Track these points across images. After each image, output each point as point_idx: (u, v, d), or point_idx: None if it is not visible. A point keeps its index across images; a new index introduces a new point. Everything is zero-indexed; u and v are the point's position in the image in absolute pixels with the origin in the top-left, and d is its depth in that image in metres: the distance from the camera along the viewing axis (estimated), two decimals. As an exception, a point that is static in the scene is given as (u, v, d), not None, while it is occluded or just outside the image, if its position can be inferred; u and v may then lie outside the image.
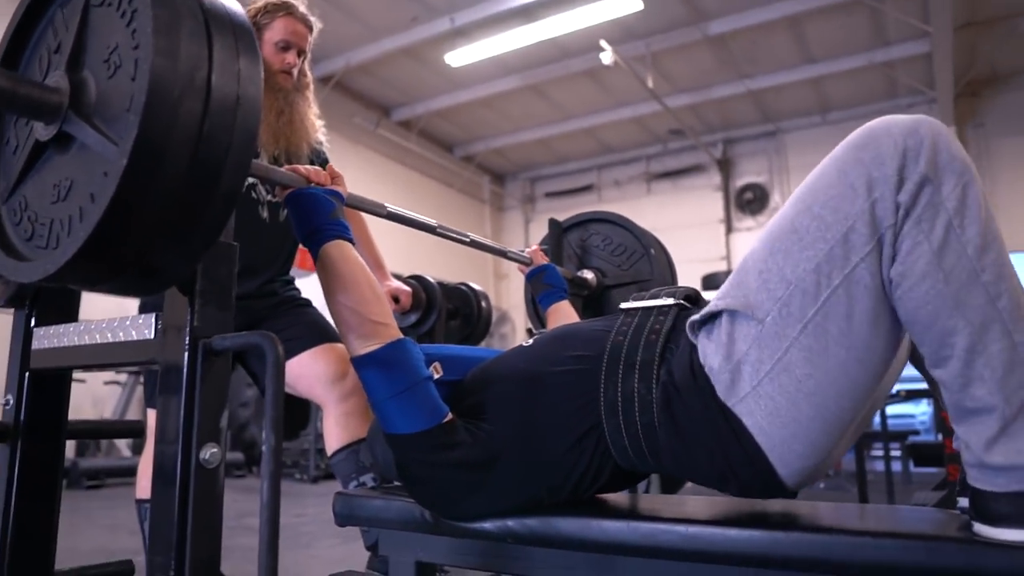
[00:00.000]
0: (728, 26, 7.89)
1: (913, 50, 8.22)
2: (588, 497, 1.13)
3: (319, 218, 1.19)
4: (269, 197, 1.84)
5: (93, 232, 0.75)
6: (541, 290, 1.78)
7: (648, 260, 1.96)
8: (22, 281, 0.86)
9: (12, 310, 1.26)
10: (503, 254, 1.76)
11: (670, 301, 1.11)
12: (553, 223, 2.07)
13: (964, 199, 0.85)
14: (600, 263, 2.04)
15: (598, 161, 11.86)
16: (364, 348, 1.11)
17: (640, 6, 7.29)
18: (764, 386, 0.90)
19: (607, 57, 7.73)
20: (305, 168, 1.24)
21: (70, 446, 5.47)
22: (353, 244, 1.21)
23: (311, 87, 1.93)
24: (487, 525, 1.11)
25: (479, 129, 10.69)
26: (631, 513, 1.05)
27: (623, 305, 1.17)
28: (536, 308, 1.95)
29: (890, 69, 8.73)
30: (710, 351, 0.95)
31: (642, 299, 1.16)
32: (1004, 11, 7.56)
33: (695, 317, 0.99)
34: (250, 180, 1.71)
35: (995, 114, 9.21)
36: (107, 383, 6.87)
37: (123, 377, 6.88)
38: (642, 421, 1.00)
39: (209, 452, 0.92)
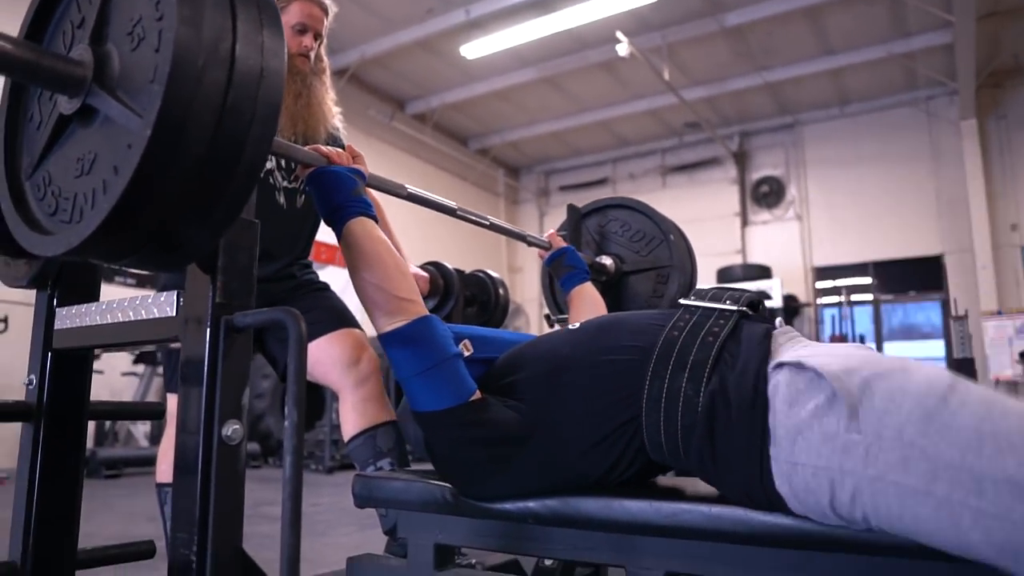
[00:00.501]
0: (745, 17, 7.84)
1: (934, 40, 8.13)
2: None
3: (342, 195, 1.18)
4: (285, 183, 1.83)
5: (117, 204, 0.75)
6: (563, 273, 1.77)
7: (667, 246, 1.95)
8: (46, 255, 0.86)
9: (35, 291, 1.27)
10: (522, 238, 1.75)
11: (733, 307, 1.07)
12: (572, 209, 2.06)
13: None
14: (618, 249, 2.03)
15: (613, 154, 11.82)
16: (390, 325, 1.10)
17: (656, -3, 7.25)
18: (809, 474, 0.86)
19: (623, 49, 7.70)
20: (326, 148, 1.24)
21: (88, 436, 5.54)
22: (377, 222, 1.21)
23: (328, 71, 1.92)
24: (508, 506, 1.10)
25: (494, 122, 10.68)
26: (653, 493, 1.04)
27: (683, 301, 1.13)
28: (554, 293, 1.94)
29: (910, 60, 8.63)
30: (783, 392, 0.91)
31: (704, 298, 1.12)
32: (1027, 0, 7.46)
33: (788, 360, 0.93)
34: (267, 166, 1.71)
35: (1018, 105, 9.10)
36: (124, 374, 6.93)
37: (140, 368, 6.94)
38: (683, 423, 0.97)
39: (231, 428, 0.92)
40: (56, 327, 1.22)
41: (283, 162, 1.78)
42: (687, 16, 7.98)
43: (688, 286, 1.97)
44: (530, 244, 1.76)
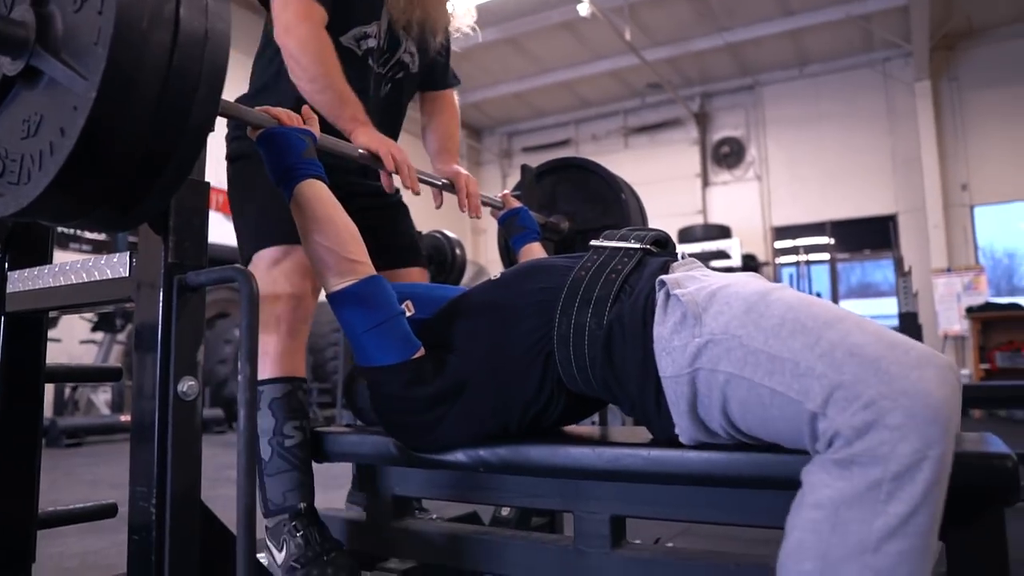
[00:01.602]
0: (706, -23, 7.83)
1: (890, 3, 8.23)
2: (552, 426, 1.17)
3: (292, 157, 1.19)
4: (377, 68, 1.64)
5: (63, 166, 0.76)
6: (515, 232, 1.81)
7: (619, 205, 1.99)
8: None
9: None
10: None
11: (636, 245, 1.14)
12: (526, 169, 2.08)
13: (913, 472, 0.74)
14: (572, 208, 2.06)
15: (575, 115, 11.80)
16: (340, 284, 1.14)
17: (617, -44, 7.20)
18: (675, 384, 0.94)
19: (584, 8, 7.65)
20: (276, 109, 1.24)
21: (47, 405, 5.47)
22: (326, 183, 1.22)
23: None
24: (459, 456, 1.15)
25: (455, 83, 10.58)
26: (596, 440, 1.09)
27: (593, 243, 1.20)
28: (509, 252, 1.97)
29: (867, 22, 8.72)
30: (657, 313, 0.99)
31: (612, 239, 1.19)
32: (980, -38, 7.56)
33: (669, 278, 1.00)
34: (369, 44, 1.58)
35: (970, 67, 9.27)
36: (83, 342, 6.83)
37: (99, 336, 6.85)
38: (590, 354, 1.05)
39: (187, 385, 0.95)
40: (8, 290, 1.22)
41: (383, 43, 1.61)
42: (648, -25, 7.95)
43: None
44: (483, 204, 1.78)
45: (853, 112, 9.90)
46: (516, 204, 1.85)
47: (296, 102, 1.43)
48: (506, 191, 1.90)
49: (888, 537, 0.73)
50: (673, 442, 0.99)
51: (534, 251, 1.77)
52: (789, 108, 10.40)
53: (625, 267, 1.09)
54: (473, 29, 1.84)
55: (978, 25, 9.01)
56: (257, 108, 1.22)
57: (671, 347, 0.94)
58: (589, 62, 9.98)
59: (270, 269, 1.47)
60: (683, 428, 0.97)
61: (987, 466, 0.85)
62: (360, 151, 1.40)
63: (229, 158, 1.61)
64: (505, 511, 1.68)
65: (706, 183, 10.98)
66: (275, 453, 1.35)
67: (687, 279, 1.00)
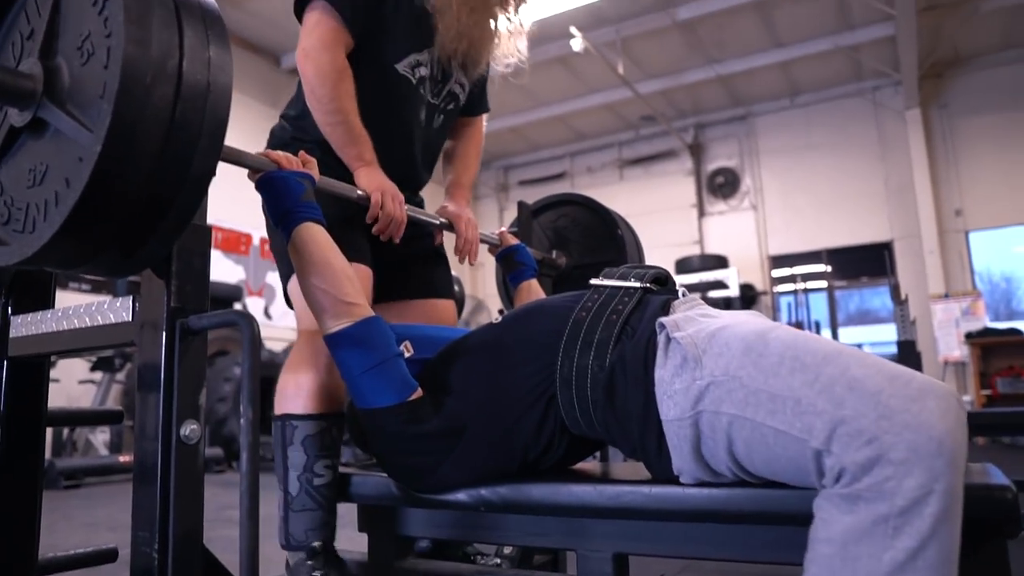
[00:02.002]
0: (696, 11, 7.95)
1: (878, 33, 8.35)
2: (552, 466, 1.17)
3: (290, 200, 1.21)
4: (430, 98, 1.64)
5: (69, 215, 0.78)
6: (512, 269, 1.82)
7: (615, 240, 2.01)
8: (0, 264, 0.88)
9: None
10: None
11: (636, 284, 1.15)
12: (522, 205, 2.10)
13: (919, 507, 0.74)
14: (569, 245, 2.08)
15: (571, 148, 11.90)
16: (336, 326, 1.15)
17: (609, -8, 7.32)
18: (677, 428, 0.95)
19: (577, 43, 7.76)
20: (276, 153, 1.26)
21: (46, 446, 5.43)
22: (324, 226, 1.23)
23: (518, 12, 1.73)
24: (461, 495, 1.15)
25: (452, 118, 10.69)
26: (598, 478, 1.09)
27: (593, 281, 1.20)
28: (507, 289, 1.98)
29: (856, 52, 8.85)
30: (659, 356, 0.99)
31: (612, 277, 1.19)
32: (965, -7, 7.70)
33: (668, 320, 1.01)
34: (422, 72, 1.58)
35: (959, 94, 9.38)
36: (81, 382, 6.80)
37: (98, 375, 6.82)
38: (592, 396, 1.05)
39: (189, 428, 0.95)
40: (11, 335, 1.23)
41: (436, 72, 1.62)
42: (640, 10, 8.07)
43: None
44: (481, 242, 1.80)
45: (845, 141, 10.00)
46: (513, 241, 1.86)
47: None
48: (503, 228, 1.92)
49: (897, 572, 0.73)
50: (674, 480, 0.99)
51: (532, 288, 1.78)
52: (782, 138, 10.50)
53: (626, 307, 1.10)
54: (522, 62, 1.83)
55: (965, 53, 9.15)
56: (258, 152, 1.24)
57: (672, 390, 0.95)
58: (583, 95, 10.09)
59: None
60: (686, 470, 0.96)
61: (987, 498, 0.85)
62: (359, 192, 1.42)
63: None
64: (507, 549, 1.66)
65: (702, 213, 11.04)
66: (303, 490, 1.34)
67: (686, 321, 1.00)
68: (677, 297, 1.13)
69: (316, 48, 1.44)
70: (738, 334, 0.93)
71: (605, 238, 2.04)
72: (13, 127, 0.88)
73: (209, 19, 0.86)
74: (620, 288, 1.15)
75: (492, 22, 1.66)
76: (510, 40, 1.75)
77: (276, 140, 1.61)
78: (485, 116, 1.93)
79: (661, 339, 1.00)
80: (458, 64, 1.65)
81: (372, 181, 1.45)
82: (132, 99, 0.76)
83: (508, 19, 1.70)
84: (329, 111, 1.44)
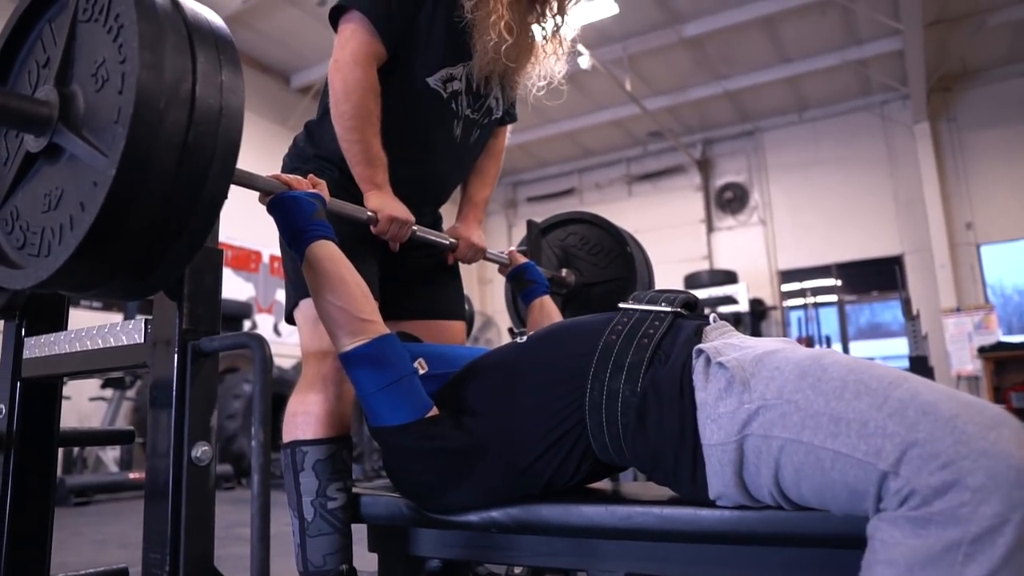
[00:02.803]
0: (703, 28, 8.00)
1: (885, 48, 8.36)
2: (569, 487, 1.16)
3: (302, 220, 1.21)
4: (468, 112, 1.61)
5: (84, 239, 0.79)
6: (523, 287, 1.81)
7: (624, 257, 2.01)
8: (16, 288, 0.88)
9: (2, 321, 1.28)
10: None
11: (667, 308, 1.14)
12: (531, 224, 2.11)
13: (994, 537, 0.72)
14: (578, 263, 2.08)
15: (579, 165, 11.94)
16: (352, 344, 1.14)
17: (616, 10, 7.37)
18: (721, 452, 0.93)
19: (585, 61, 7.81)
20: (286, 176, 1.27)
21: (57, 464, 5.44)
22: (336, 244, 1.23)
23: (560, 39, 1.71)
24: (472, 516, 1.14)
25: (460, 135, 10.75)
26: (609, 498, 1.09)
27: (622, 305, 1.19)
28: (517, 307, 1.98)
29: (863, 67, 8.86)
30: (698, 380, 0.98)
31: (641, 301, 1.18)
32: (973, 7, 7.71)
33: (708, 347, 1.00)
34: (455, 87, 1.55)
35: (968, 108, 9.38)
36: (92, 399, 6.83)
37: (108, 393, 6.85)
38: (623, 421, 1.03)
39: (200, 450, 0.96)
40: (25, 356, 1.24)
41: (475, 85, 1.59)
42: (647, 28, 8.12)
43: None
44: (488, 260, 1.80)
45: (853, 155, 10.00)
46: (522, 259, 1.86)
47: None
48: (512, 247, 1.92)
49: None
50: (685, 500, 0.99)
51: (545, 305, 1.77)
52: (790, 152, 10.50)
53: (657, 331, 1.08)
54: (562, 84, 1.80)
55: (972, 67, 9.15)
56: (268, 175, 1.25)
57: (717, 414, 0.93)
58: (591, 112, 10.14)
59: (317, 323, 1.43)
60: (726, 495, 0.95)
61: None
62: (369, 214, 1.42)
63: None
64: (517, 570, 1.66)
65: (711, 229, 11.03)
66: (317, 514, 1.34)
67: (726, 347, 0.99)
68: (708, 323, 1.12)
69: (348, 63, 1.44)
70: (791, 359, 0.91)
71: (614, 255, 2.05)
72: (29, 153, 0.89)
73: (221, 44, 0.87)
74: (650, 312, 1.14)
75: (531, 42, 1.63)
76: (548, 61, 1.72)
77: (298, 150, 1.62)
78: (509, 128, 1.90)
79: (699, 363, 0.98)
80: (497, 81, 1.64)
81: (382, 207, 1.45)
82: (146, 124, 0.77)
83: (546, 39, 1.68)
84: (349, 128, 1.44)
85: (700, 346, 1.01)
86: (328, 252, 1.20)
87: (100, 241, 0.80)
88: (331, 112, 1.46)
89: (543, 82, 1.74)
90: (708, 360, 0.98)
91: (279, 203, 1.22)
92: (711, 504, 0.98)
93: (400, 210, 1.47)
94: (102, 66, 0.83)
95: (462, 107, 1.59)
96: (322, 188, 1.31)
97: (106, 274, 0.86)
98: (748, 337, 1.05)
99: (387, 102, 1.48)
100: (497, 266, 1.88)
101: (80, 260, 0.81)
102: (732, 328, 1.11)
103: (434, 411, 1.13)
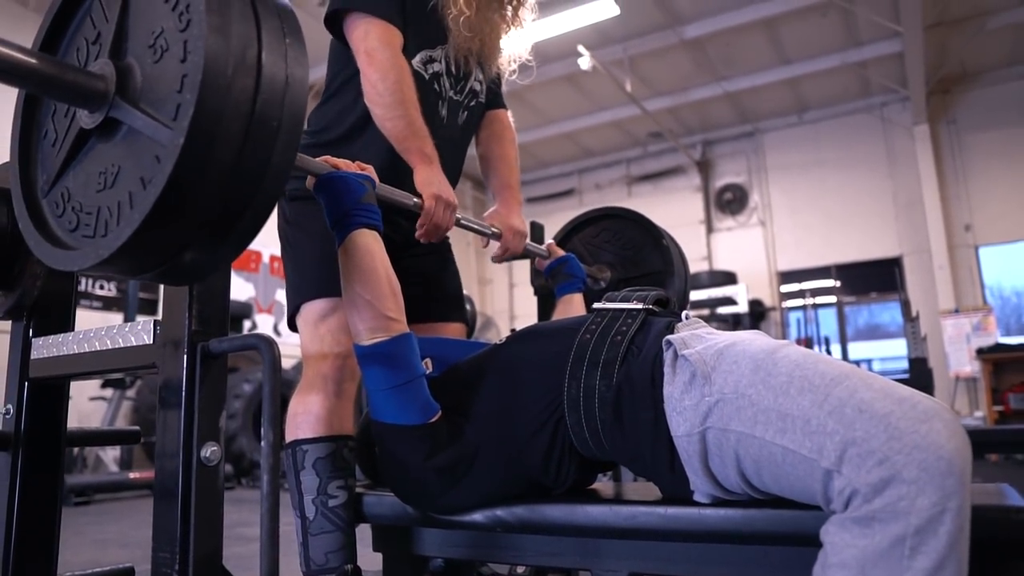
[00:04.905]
0: (703, 29, 8.00)
1: (885, 50, 8.37)
2: (564, 487, 1.17)
3: (350, 201, 1.18)
4: (452, 93, 1.66)
5: (148, 216, 0.75)
6: (561, 280, 1.80)
7: (659, 251, 2.00)
8: (71, 269, 0.85)
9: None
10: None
11: (639, 306, 1.17)
12: (535, 227, 2.11)
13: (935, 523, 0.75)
14: (611, 258, 2.07)
15: (579, 165, 11.94)
16: (372, 339, 1.14)
17: (616, 11, 7.37)
18: (687, 443, 0.96)
19: (585, 62, 7.81)
20: (335, 159, 1.24)
21: (57, 462, 5.42)
22: (381, 232, 1.22)
23: (528, 8, 1.77)
24: (477, 516, 1.15)
25: (460, 136, 10.75)
26: (612, 498, 1.10)
27: (596, 305, 1.22)
28: (544, 300, 1.95)
29: (863, 68, 8.87)
30: (666, 372, 1.01)
31: (614, 300, 1.21)
32: (972, 10, 7.72)
33: (675, 338, 1.03)
34: (436, 68, 1.61)
35: (967, 110, 9.39)
36: (92, 399, 6.83)
37: (108, 393, 6.85)
38: (601, 416, 1.06)
39: (209, 450, 0.96)
40: (32, 357, 1.24)
41: (453, 67, 1.65)
42: (647, 29, 8.12)
43: (683, 291, 2.02)
44: (529, 252, 1.78)
45: (853, 156, 10.01)
46: (561, 252, 1.85)
47: (389, 151, 1.47)
48: (551, 241, 1.91)
49: None
50: (689, 499, 1.00)
51: (573, 301, 1.76)
52: (790, 154, 10.51)
53: (630, 328, 1.11)
54: (529, 61, 1.86)
55: (972, 69, 9.16)
56: (320, 158, 1.22)
57: (682, 407, 0.96)
58: (591, 113, 10.14)
59: (317, 325, 1.46)
60: (698, 485, 0.98)
61: (1005, 520, 0.85)
62: (415, 201, 1.41)
63: (289, 196, 1.58)
64: (521, 569, 1.66)
65: (710, 230, 11.04)
66: (319, 513, 1.35)
67: (693, 339, 1.02)
68: (680, 319, 1.14)
69: (378, 48, 1.45)
70: (747, 352, 0.94)
71: (649, 249, 2.04)
72: (83, 130, 0.86)
73: (283, 13, 0.84)
74: (623, 311, 1.16)
75: (500, 19, 1.69)
76: (518, 38, 1.78)
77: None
78: (510, 113, 1.92)
79: (668, 356, 1.01)
80: (475, 61, 1.68)
81: (430, 184, 1.44)
82: (214, 91, 0.73)
83: (512, 15, 1.73)
84: (389, 104, 1.44)
85: (668, 337, 1.03)
86: (368, 243, 1.18)
87: (162, 219, 0.76)
88: (368, 98, 1.47)
89: (514, 64, 1.80)
90: (676, 353, 1.00)
91: (329, 183, 1.19)
92: (691, 497, 1.00)
93: (447, 190, 1.46)
94: (160, 36, 0.80)
95: (445, 88, 1.64)
96: (370, 171, 1.28)
97: (167, 254, 0.82)
98: (717, 331, 1.07)
99: None
100: (494, 265, 1.86)
101: (141, 239, 0.77)
102: (703, 323, 1.14)
103: (439, 416, 1.14)
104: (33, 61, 0.78)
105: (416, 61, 1.57)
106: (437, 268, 1.73)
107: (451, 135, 1.68)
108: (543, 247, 1.84)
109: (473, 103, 1.72)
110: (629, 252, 2.07)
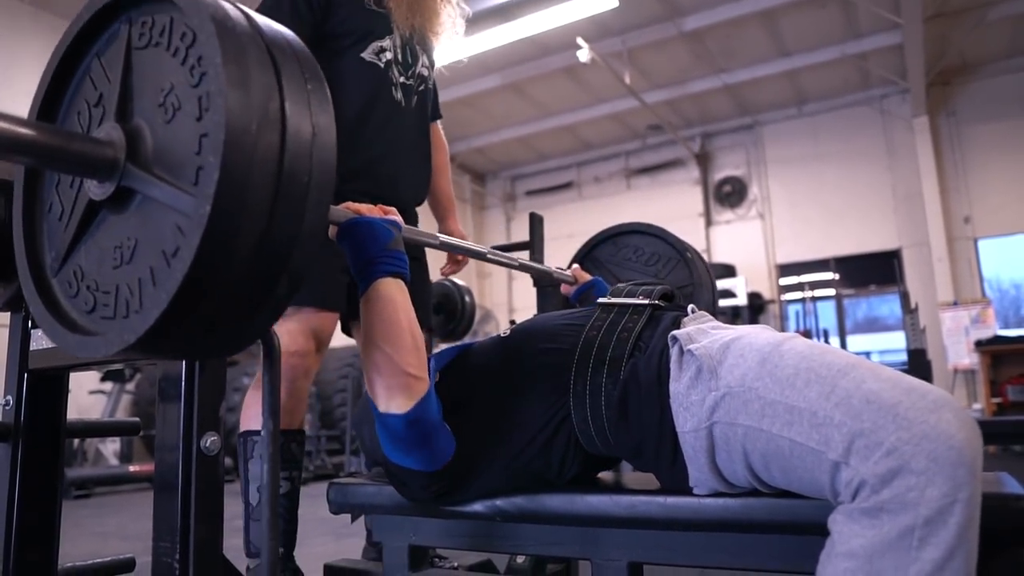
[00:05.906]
0: (703, 21, 7.99)
1: (885, 41, 8.36)
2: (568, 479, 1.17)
3: (376, 248, 1.10)
4: (402, 79, 1.78)
5: (176, 294, 0.67)
6: (589, 304, 1.76)
7: (686, 265, 1.99)
8: (95, 358, 0.77)
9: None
10: (548, 275, 1.74)
11: (645, 301, 1.16)
12: (534, 217, 2.11)
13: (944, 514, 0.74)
14: (635, 275, 2.05)
15: (578, 158, 11.93)
16: (392, 405, 1.07)
17: (615, 3, 7.36)
18: (694, 439, 0.96)
19: (584, 54, 7.79)
20: (357, 204, 1.16)
21: (57, 456, 5.44)
22: (407, 281, 1.14)
23: (456, 3, 1.95)
24: (477, 506, 1.16)
25: (460, 128, 10.72)
26: (613, 487, 1.10)
27: (600, 300, 1.21)
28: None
29: (863, 60, 8.86)
30: (673, 369, 1.00)
31: (620, 295, 1.20)
32: (972, 2, 7.71)
33: (681, 333, 1.02)
34: (388, 56, 1.74)
35: (967, 102, 9.38)
36: (92, 392, 6.84)
37: (108, 386, 6.86)
38: (607, 414, 1.05)
39: (209, 440, 0.96)
40: (32, 348, 1.24)
41: (399, 54, 1.78)
42: (646, 21, 8.11)
43: (711, 302, 1.99)
44: (556, 279, 1.75)
45: (852, 149, 10.00)
46: (588, 277, 1.78)
47: (367, 158, 1.63)
48: (576, 265, 1.88)
49: None
50: (668, 487, 1.00)
51: None
52: (789, 146, 10.51)
53: (636, 324, 1.10)
54: (465, 16, 1.99)
55: (972, 61, 9.15)
56: (340, 205, 1.15)
57: (689, 402, 0.96)
58: (590, 106, 10.13)
59: (275, 325, 1.48)
60: (701, 480, 0.97)
61: (1003, 507, 0.85)
62: (442, 239, 1.39)
63: None
64: (520, 559, 1.67)
65: (709, 222, 11.04)
66: (261, 499, 1.37)
67: (699, 333, 1.01)
68: (686, 313, 1.13)
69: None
70: (753, 345, 0.94)
71: (673, 264, 2.04)
72: (92, 201, 0.78)
73: (301, 57, 0.77)
74: (628, 306, 1.16)
75: (431, 2, 1.84)
76: (450, 20, 1.94)
77: None
78: (440, 123, 2.09)
79: (674, 352, 1.01)
80: (418, 41, 1.81)
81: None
82: (240, 150, 0.66)
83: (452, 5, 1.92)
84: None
85: (674, 333, 1.02)
86: (392, 293, 1.10)
87: (192, 297, 0.68)
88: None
89: (456, 21, 1.95)
90: (682, 348, 1.00)
91: (354, 228, 1.11)
92: (689, 491, 1.00)
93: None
94: (170, 94, 0.73)
95: (396, 75, 1.78)
96: (394, 214, 1.20)
97: (197, 334, 0.73)
98: (723, 324, 1.07)
99: (335, 83, 1.54)
100: (561, 289, 1.80)
101: (169, 320, 0.68)
102: (710, 316, 1.14)
103: (451, 458, 1.10)
104: (32, 132, 0.69)
105: (369, 52, 1.71)
106: (416, 276, 1.74)
107: (409, 120, 1.82)
108: (568, 272, 1.79)
109: (422, 87, 1.86)
110: (653, 267, 2.07)
